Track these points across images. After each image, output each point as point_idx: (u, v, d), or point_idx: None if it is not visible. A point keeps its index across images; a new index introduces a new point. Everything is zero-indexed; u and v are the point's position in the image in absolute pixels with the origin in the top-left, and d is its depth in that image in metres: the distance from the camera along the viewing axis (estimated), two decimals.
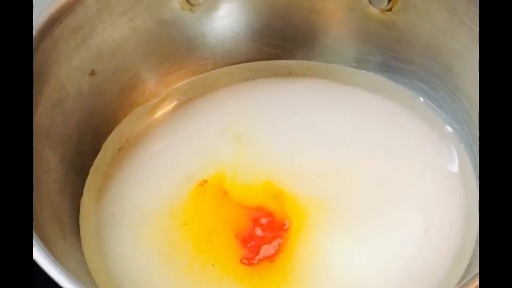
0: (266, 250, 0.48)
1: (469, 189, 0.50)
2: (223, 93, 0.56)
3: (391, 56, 0.54)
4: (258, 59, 0.56)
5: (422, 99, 0.54)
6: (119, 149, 0.53)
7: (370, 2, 0.53)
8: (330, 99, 0.55)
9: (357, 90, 0.55)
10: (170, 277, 0.48)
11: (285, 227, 0.48)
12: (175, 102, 0.55)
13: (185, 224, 0.50)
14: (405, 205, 0.50)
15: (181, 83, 0.56)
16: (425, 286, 0.47)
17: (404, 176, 0.51)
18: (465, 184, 0.51)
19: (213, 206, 0.50)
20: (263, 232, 0.49)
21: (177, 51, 0.55)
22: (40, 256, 0.41)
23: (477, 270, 0.39)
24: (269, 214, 0.49)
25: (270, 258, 0.48)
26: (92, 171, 0.52)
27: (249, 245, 0.48)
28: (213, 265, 0.48)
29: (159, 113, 0.55)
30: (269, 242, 0.48)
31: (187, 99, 0.56)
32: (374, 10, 0.53)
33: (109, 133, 0.54)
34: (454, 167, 0.51)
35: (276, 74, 0.56)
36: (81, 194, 0.51)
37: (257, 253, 0.48)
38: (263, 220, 0.49)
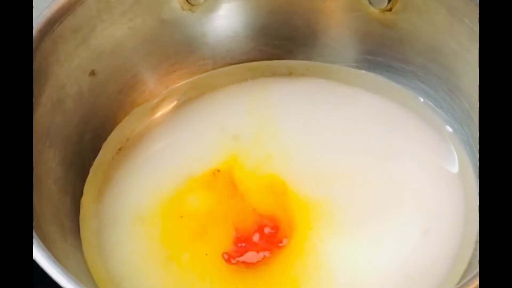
0: (250, 256, 0.48)
1: (469, 189, 0.50)
2: (223, 93, 0.56)
3: (391, 56, 0.54)
4: (258, 59, 0.56)
5: (422, 99, 0.54)
6: (119, 149, 0.53)
7: (370, 2, 0.53)
8: (330, 99, 0.55)
9: (357, 90, 0.55)
10: (170, 277, 0.48)
11: (280, 244, 0.48)
12: (175, 102, 0.55)
13: (182, 216, 0.50)
14: (405, 205, 0.50)
15: (181, 83, 0.56)
16: (425, 286, 0.47)
17: (403, 176, 0.51)
18: (465, 184, 0.51)
19: (214, 205, 0.50)
20: (259, 240, 0.49)
21: (177, 51, 0.55)
22: (40, 256, 0.41)
23: (477, 270, 0.39)
24: (275, 227, 0.49)
25: (249, 265, 0.48)
26: (92, 171, 0.52)
27: (239, 245, 0.48)
28: (206, 254, 0.48)
29: (159, 113, 0.55)
30: (257, 251, 0.48)
31: (187, 99, 0.56)
32: (374, 10, 0.53)
33: (109, 133, 0.54)
34: (454, 167, 0.51)
35: (276, 74, 0.56)
36: (81, 194, 0.51)
37: (241, 255, 0.48)
38: (267, 230, 0.49)
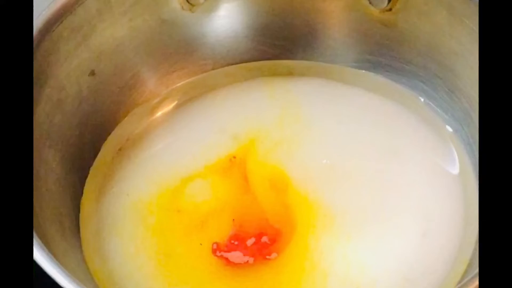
0: (235, 255, 0.48)
1: (469, 189, 0.50)
2: (223, 93, 0.56)
3: (391, 56, 0.54)
4: (258, 59, 0.56)
5: (422, 99, 0.54)
6: (119, 149, 0.53)
7: (370, 2, 0.53)
8: (330, 99, 0.55)
9: (357, 90, 0.55)
10: (170, 277, 0.48)
11: (267, 257, 0.48)
12: (175, 102, 0.55)
13: (179, 211, 0.50)
14: (405, 205, 0.50)
15: (181, 83, 0.56)
16: (425, 287, 0.47)
17: (403, 176, 0.51)
18: (465, 184, 0.51)
19: (216, 201, 0.50)
20: (252, 245, 0.49)
21: (177, 51, 0.55)
22: (40, 256, 0.41)
23: (477, 270, 0.39)
24: (272, 239, 0.49)
25: (229, 262, 0.48)
26: (92, 171, 0.52)
27: (232, 241, 0.49)
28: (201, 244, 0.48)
29: (159, 113, 0.55)
30: (244, 254, 0.48)
31: (187, 99, 0.56)
32: (374, 10, 0.53)
33: (109, 133, 0.54)
34: (454, 168, 0.51)
35: (276, 74, 0.56)
36: (81, 194, 0.51)
37: (228, 251, 0.48)
38: (264, 239, 0.49)
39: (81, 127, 0.52)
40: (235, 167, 0.52)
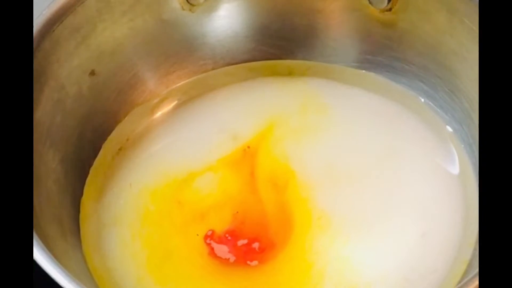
0: (220, 248, 0.48)
1: (469, 189, 0.50)
2: (223, 93, 0.56)
3: (391, 56, 0.54)
4: (258, 59, 0.56)
5: (422, 99, 0.54)
6: (119, 149, 0.53)
7: (370, 2, 0.53)
8: (330, 99, 0.55)
9: (357, 90, 0.55)
10: (170, 277, 0.48)
11: (248, 262, 0.48)
12: (175, 102, 0.55)
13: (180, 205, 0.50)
14: (404, 205, 0.50)
15: (181, 83, 0.56)
16: (425, 287, 0.47)
17: (403, 176, 0.51)
18: (465, 184, 0.51)
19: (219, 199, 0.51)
20: (241, 246, 0.49)
21: (177, 51, 0.55)
22: (40, 256, 0.41)
23: (477, 270, 0.39)
24: (262, 248, 0.49)
25: (214, 256, 0.48)
26: (92, 171, 0.52)
27: (226, 235, 0.49)
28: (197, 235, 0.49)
29: (159, 113, 0.55)
30: (229, 251, 0.48)
31: (187, 99, 0.56)
32: (374, 10, 0.53)
33: (109, 133, 0.54)
34: (454, 168, 0.51)
35: (276, 74, 0.56)
36: (81, 194, 0.51)
37: (217, 242, 0.48)
38: (255, 245, 0.49)
39: (81, 127, 0.52)
40: (246, 159, 0.52)
